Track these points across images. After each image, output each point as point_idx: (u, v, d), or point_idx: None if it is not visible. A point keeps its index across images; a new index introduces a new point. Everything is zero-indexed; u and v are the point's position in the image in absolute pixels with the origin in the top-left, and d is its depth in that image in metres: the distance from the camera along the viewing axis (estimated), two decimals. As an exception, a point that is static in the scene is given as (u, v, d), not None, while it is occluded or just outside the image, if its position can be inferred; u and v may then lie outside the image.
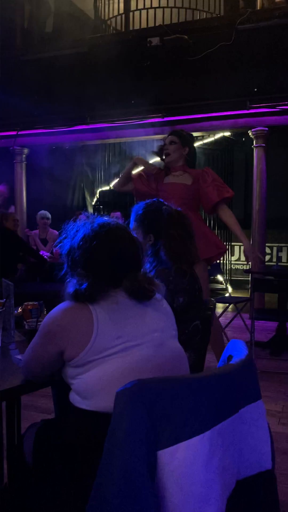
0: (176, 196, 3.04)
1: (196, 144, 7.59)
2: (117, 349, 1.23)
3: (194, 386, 1.05)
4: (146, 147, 7.04)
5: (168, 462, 0.99)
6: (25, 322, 1.81)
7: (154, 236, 1.97)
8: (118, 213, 6.58)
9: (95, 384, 1.23)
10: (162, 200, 2.12)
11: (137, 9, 6.40)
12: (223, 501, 1.06)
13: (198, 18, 6.28)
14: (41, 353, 1.30)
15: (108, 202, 7.90)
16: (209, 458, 1.03)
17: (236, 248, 8.35)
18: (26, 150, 7.09)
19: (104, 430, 1.04)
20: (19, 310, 1.98)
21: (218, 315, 4.95)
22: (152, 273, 1.93)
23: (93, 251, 1.31)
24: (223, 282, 7.13)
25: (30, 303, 1.95)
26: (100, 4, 7.11)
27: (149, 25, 6.10)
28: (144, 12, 6.32)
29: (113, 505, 0.98)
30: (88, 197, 8.18)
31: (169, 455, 0.99)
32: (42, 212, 6.33)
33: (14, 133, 6.66)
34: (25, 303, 1.95)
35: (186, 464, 1.00)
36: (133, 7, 6.45)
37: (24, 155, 7.13)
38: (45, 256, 5.86)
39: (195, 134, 6.72)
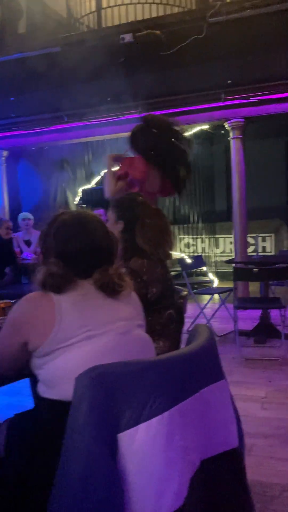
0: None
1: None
2: (81, 337, 1.26)
3: (153, 369, 1.08)
4: (126, 143, 7.06)
5: (128, 444, 1.02)
6: (-3, 320, 1.83)
7: (124, 224, 1.99)
8: (101, 211, 6.59)
9: (60, 372, 1.25)
10: None
11: (109, 6, 6.40)
12: (186, 480, 1.09)
13: (170, 12, 6.29)
14: (7, 345, 1.32)
15: (91, 200, 7.91)
16: (169, 438, 1.06)
17: (221, 241, 8.41)
18: (5, 153, 7.06)
19: (67, 418, 1.06)
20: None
21: (203, 306, 5.00)
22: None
23: (67, 241, 1.34)
24: (208, 274, 7.17)
25: (3, 301, 1.97)
26: (72, 3, 7.09)
27: (122, 22, 6.10)
28: (116, 9, 6.32)
29: (76, 488, 1.00)
30: (70, 197, 8.18)
31: (129, 437, 1.02)
32: (24, 213, 6.32)
33: (-8, 135, 6.63)
34: (-1, 302, 1.97)
35: (146, 445, 1.03)
36: (105, 4, 6.45)
37: (3, 158, 7.10)
38: (28, 258, 5.86)
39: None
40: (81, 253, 1.34)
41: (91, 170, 8.01)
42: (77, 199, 8.26)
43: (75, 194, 8.23)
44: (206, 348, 1.21)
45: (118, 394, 1.03)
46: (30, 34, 6.48)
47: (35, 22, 6.57)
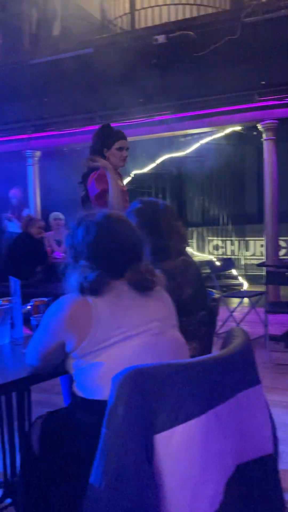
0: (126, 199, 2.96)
1: (207, 140, 7.59)
2: (117, 339, 1.26)
3: (189, 371, 1.07)
4: (156, 145, 7.06)
5: (165, 445, 1.02)
6: (32, 318, 1.86)
7: (148, 228, 1.98)
8: None
9: (96, 374, 1.26)
10: None
11: (142, 8, 6.42)
12: (221, 484, 1.08)
13: (203, 13, 6.27)
14: (44, 344, 1.34)
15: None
16: (205, 442, 1.05)
17: (251, 243, 8.31)
18: (38, 153, 7.17)
19: (104, 417, 1.07)
20: (28, 307, 2.02)
21: (232, 309, 4.95)
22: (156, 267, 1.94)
23: (96, 243, 1.35)
24: (238, 277, 7.10)
25: (38, 299, 2.00)
26: (106, 4, 7.15)
27: (155, 23, 6.12)
28: (149, 10, 6.34)
29: (111, 488, 1.00)
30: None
31: (166, 439, 1.02)
32: (55, 213, 6.40)
33: (26, 136, 6.74)
34: (34, 300, 1.99)
35: (183, 447, 1.02)
36: (138, 6, 6.48)
37: (36, 158, 7.21)
38: (59, 257, 5.93)
39: (204, 129, 6.73)
40: (111, 254, 1.35)
41: (121, 171, 8.04)
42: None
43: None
44: (243, 352, 1.20)
45: (154, 395, 1.02)
46: (64, 36, 6.56)
47: (69, 24, 6.65)
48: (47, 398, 3.19)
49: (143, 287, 1.35)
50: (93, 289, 1.28)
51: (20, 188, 6.94)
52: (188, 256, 1.99)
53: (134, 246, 1.39)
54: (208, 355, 1.17)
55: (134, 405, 1.00)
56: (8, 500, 1.92)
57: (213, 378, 1.09)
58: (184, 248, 1.98)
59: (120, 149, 2.79)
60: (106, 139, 2.79)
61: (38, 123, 6.58)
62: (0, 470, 2.09)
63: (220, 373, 1.11)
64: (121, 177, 2.98)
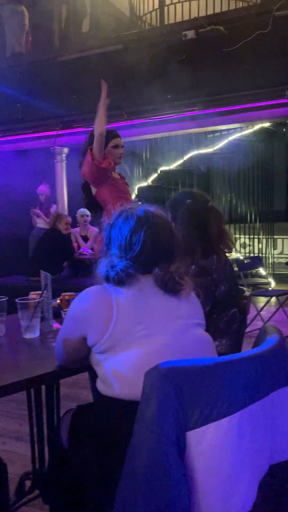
0: (128, 193, 3.00)
1: (235, 136, 7.51)
2: (139, 335, 1.25)
3: (223, 368, 1.05)
4: (183, 141, 7.03)
5: (197, 443, 1.00)
6: (62, 312, 1.87)
7: (185, 223, 1.96)
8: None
9: (117, 371, 1.25)
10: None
11: (171, 3, 6.38)
12: (254, 484, 1.06)
13: (234, 7, 6.19)
14: (68, 338, 1.34)
15: (147, 197, 7.94)
16: (239, 440, 1.03)
17: (279, 241, 8.18)
18: (66, 150, 7.22)
19: (127, 416, 1.06)
20: (58, 301, 2.04)
21: (260, 308, 4.89)
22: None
23: (131, 233, 1.34)
24: (266, 276, 7.00)
25: (67, 293, 2.01)
26: (135, 1, 7.14)
27: (184, 18, 6.07)
28: (179, 5, 6.29)
29: (143, 485, 1.00)
30: (127, 194, 8.26)
31: (198, 436, 1.00)
32: (82, 210, 6.44)
33: (54, 133, 6.80)
34: (63, 294, 2.01)
35: (216, 446, 1.01)
36: (168, 1, 6.44)
37: (64, 155, 7.27)
38: (86, 253, 5.97)
39: (233, 126, 6.65)
40: (143, 247, 1.33)
41: (148, 168, 8.04)
42: (133, 196, 8.32)
43: (131, 192, 8.30)
44: (276, 351, 1.17)
45: (187, 392, 1.01)
46: (93, 33, 6.58)
47: (98, 21, 6.68)
48: (74, 393, 3.22)
49: (168, 287, 1.32)
50: (118, 279, 1.28)
51: (47, 185, 7.01)
52: (224, 254, 1.97)
53: (168, 246, 1.38)
54: (242, 353, 1.15)
55: (167, 400, 0.99)
56: (36, 492, 1.94)
57: (247, 377, 1.07)
58: (228, 250, 1.97)
59: (116, 147, 2.89)
60: None
61: (66, 120, 6.62)
62: (29, 462, 2.12)
63: (254, 372, 1.08)
64: (121, 177, 3.06)
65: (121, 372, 1.24)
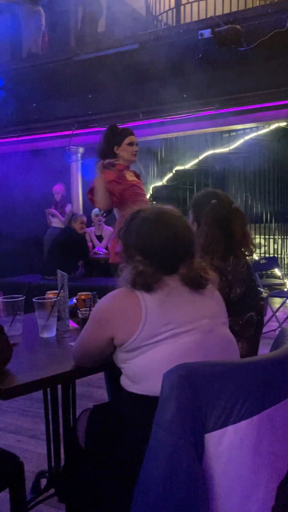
0: (144, 194, 3.00)
1: (251, 136, 7.46)
2: (166, 335, 1.25)
3: (242, 370, 1.05)
4: (199, 141, 7.00)
5: (215, 445, 0.99)
6: (78, 311, 1.87)
7: (196, 225, 1.96)
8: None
9: (145, 368, 1.26)
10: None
11: (188, 2, 6.36)
12: (273, 488, 1.05)
13: (251, 6, 6.14)
14: (92, 339, 1.34)
15: (162, 197, 7.93)
16: (257, 443, 1.02)
17: (295, 242, 8.10)
18: (81, 149, 7.24)
19: (152, 413, 1.06)
20: (74, 300, 2.04)
21: (275, 309, 4.84)
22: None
23: (151, 237, 1.34)
24: (281, 276, 6.94)
25: (84, 293, 2.01)
26: (151, 0, 7.13)
27: (200, 17, 6.04)
28: (195, 4, 6.26)
29: (160, 486, 0.99)
30: (141, 193, 8.25)
31: (217, 438, 0.99)
32: (97, 209, 6.46)
33: (69, 132, 6.83)
34: (79, 293, 2.01)
35: (234, 448, 1.00)
36: (184, 0, 6.42)
37: (79, 154, 7.29)
38: (100, 252, 5.99)
39: (249, 125, 6.60)
40: (165, 248, 1.33)
41: (163, 167, 8.02)
42: (148, 196, 8.32)
43: (146, 191, 8.30)
44: (296, 353, 1.16)
45: (206, 393, 1.00)
46: (109, 33, 6.59)
47: (114, 20, 6.68)
48: (89, 392, 3.23)
49: (196, 283, 1.33)
50: (147, 284, 1.28)
51: (63, 184, 7.04)
52: (244, 257, 1.95)
53: (188, 243, 1.38)
54: (261, 356, 1.14)
55: (185, 402, 0.99)
56: (52, 490, 1.95)
57: (267, 379, 1.06)
58: (249, 253, 1.95)
59: (131, 144, 2.90)
60: (116, 137, 2.91)
61: (81, 120, 6.64)
62: (44, 460, 2.13)
63: (273, 374, 1.07)
64: (136, 174, 3.05)
65: (149, 370, 1.25)
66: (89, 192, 2.92)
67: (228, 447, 0.99)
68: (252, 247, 1.97)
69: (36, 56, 6.69)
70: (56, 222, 6.92)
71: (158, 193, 8.18)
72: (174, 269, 1.33)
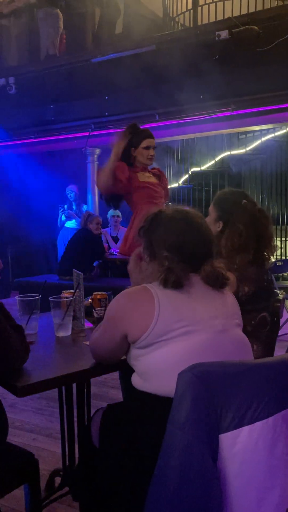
0: (162, 196, 2.95)
1: (268, 137, 7.40)
2: (179, 332, 1.26)
3: (257, 371, 1.04)
4: (215, 142, 6.98)
5: (230, 446, 0.99)
6: (94, 311, 1.88)
7: (223, 223, 1.95)
8: None
9: (155, 366, 1.26)
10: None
11: (205, 3, 6.35)
12: (288, 490, 1.04)
13: (268, 7, 6.10)
14: (107, 336, 1.36)
15: (178, 199, 7.92)
16: (272, 445, 1.01)
17: (312, 244, 8.02)
18: (97, 151, 7.28)
19: (164, 413, 1.06)
20: (89, 300, 2.06)
21: (291, 312, 4.78)
22: None
23: (180, 234, 1.35)
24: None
25: (99, 293, 2.02)
26: (168, 2, 7.14)
27: (218, 18, 6.02)
28: (212, 5, 6.25)
29: (174, 486, 0.99)
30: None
31: (231, 439, 0.99)
32: (113, 210, 6.48)
33: (86, 134, 6.86)
34: (95, 293, 2.02)
35: (249, 449, 0.99)
36: (201, 1, 6.41)
37: (96, 155, 7.33)
38: (115, 253, 6.01)
39: (266, 126, 6.56)
40: (194, 246, 1.35)
41: (180, 169, 8.01)
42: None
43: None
44: (312, 355, 1.15)
45: (220, 394, 1.00)
46: (126, 34, 6.61)
47: (131, 22, 6.70)
48: (103, 391, 3.24)
49: (218, 282, 1.35)
50: (178, 281, 1.29)
51: (76, 185, 7.04)
52: (267, 260, 1.95)
53: (211, 242, 1.41)
54: (278, 356, 1.13)
55: (200, 402, 0.99)
56: (66, 488, 1.96)
57: (282, 381, 1.05)
58: (271, 254, 1.95)
59: (147, 148, 2.87)
60: (134, 138, 2.87)
61: (98, 121, 6.67)
62: (59, 459, 2.15)
63: (289, 376, 1.06)
64: (157, 173, 3.04)
65: (160, 367, 1.26)
66: (97, 172, 2.91)
67: (243, 448, 0.99)
68: (273, 248, 1.96)
69: (53, 58, 6.74)
70: (70, 223, 6.90)
71: (174, 195, 8.17)
72: (198, 267, 1.34)
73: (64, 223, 6.99)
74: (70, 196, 6.91)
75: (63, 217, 6.99)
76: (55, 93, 6.54)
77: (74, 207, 6.85)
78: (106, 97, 6.44)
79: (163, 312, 1.26)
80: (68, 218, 6.95)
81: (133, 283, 1.51)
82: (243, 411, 1.00)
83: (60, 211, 6.89)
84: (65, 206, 6.88)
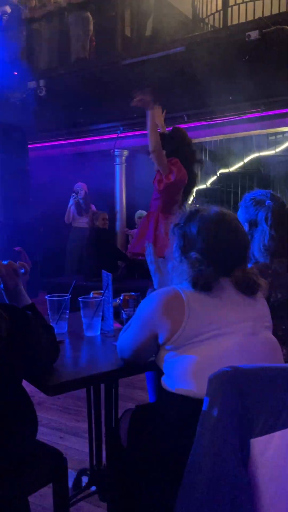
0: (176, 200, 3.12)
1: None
2: (208, 335, 1.24)
3: (290, 376, 1.02)
4: (244, 143, 6.91)
5: (261, 451, 0.98)
6: (122, 311, 1.89)
7: (248, 226, 1.92)
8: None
9: (185, 368, 1.25)
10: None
11: (235, 4, 6.30)
12: None
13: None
14: (136, 338, 1.35)
15: (205, 200, 7.86)
16: (305, 451, 0.99)
17: None
18: (125, 152, 7.30)
19: (194, 414, 1.05)
20: (118, 300, 2.06)
21: None
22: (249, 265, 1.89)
23: (214, 236, 1.33)
24: None
25: (128, 293, 2.03)
26: (198, 3, 7.11)
27: (248, 19, 5.96)
28: (243, 6, 6.19)
29: (205, 491, 0.98)
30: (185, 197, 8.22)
31: (263, 444, 0.98)
32: (140, 211, 6.49)
33: (115, 136, 6.91)
34: (124, 294, 2.03)
35: (281, 455, 0.98)
36: (231, 2, 6.36)
37: (124, 157, 7.36)
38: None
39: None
40: (227, 250, 1.33)
41: (208, 171, 7.96)
42: (191, 198, 8.27)
43: (189, 195, 8.25)
44: None
45: (252, 397, 0.99)
46: (156, 36, 6.62)
47: (161, 24, 6.70)
48: (130, 392, 3.24)
49: (248, 288, 1.32)
50: (207, 284, 1.27)
51: (84, 184, 6.91)
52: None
53: (245, 247, 1.38)
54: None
55: (230, 406, 0.98)
56: (93, 488, 1.97)
57: (316, 386, 1.03)
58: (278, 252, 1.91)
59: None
60: (180, 147, 3.12)
61: (127, 123, 6.70)
62: (85, 458, 2.16)
63: None
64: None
65: (190, 370, 1.25)
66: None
67: (274, 454, 0.97)
68: None
69: (83, 61, 6.81)
70: (79, 223, 6.72)
71: (201, 196, 8.11)
72: (229, 272, 1.32)
73: (72, 212, 6.75)
74: (79, 193, 6.77)
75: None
76: (84, 95, 6.60)
77: (83, 205, 6.72)
78: (135, 99, 6.46)
79: (193, 315, 1.25)
80: (78, 211, 6.71)
81: (160, 283, 1.51)
82: (275, 416, 0.98)
83: (72, 198, 6.63)
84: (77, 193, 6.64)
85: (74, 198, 6.61)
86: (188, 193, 3.34)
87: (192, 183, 3.30)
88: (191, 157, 3.21)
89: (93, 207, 6.71)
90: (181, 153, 3.13)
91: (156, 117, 3.15)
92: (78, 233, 6.61)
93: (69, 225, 6.85)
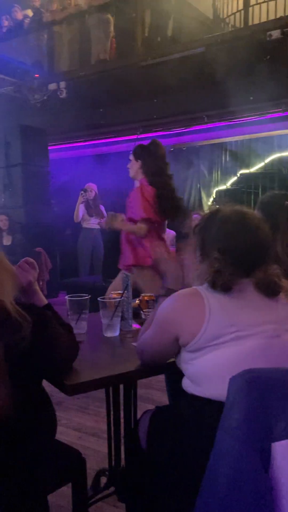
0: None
1: None
2: (230, 337, 1.23)
3: (313, 379, 1.00)
4: (265, 144, 6.84)
5: (283, 455, 0.96)
6: (141, 312, 1.88)
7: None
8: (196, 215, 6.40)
9: (207, 370, 1.24)
10: None
11: (256, 3, 6.25)
12: None
13: None
14: (156, 339, 1.35)
15: (225, 201, 7.81)
16: None
17: None
18: (145, 153, 7.30)
19: (214, 417, 1.04)
20: (136, 301, 2.06)
21: None
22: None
23: (234, 237, 1.31)
24: None
25: (147, 294, 2.02)
26: (218, 3, 7.08)
27: (269, 18, 5.91)
28: (264, 5, 6.14)
29: (224, 493, 0.97)
30: (204, 197, 8.18)
31: (285, 448, 0.96)
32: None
33: (134, 137, 6.92)
34: (143, 295, 2.03)
35: (303, 460, 0.96)
36: (252, 1, 6.31)
37: (143, 158, 7.35)
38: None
39: None
40: (247, 250, 1.30)
41: (227, 171, 7.91)
42: (211, 199, 8.24)
43: (209, 195, 8.22)
44: None
45: (273, 401, 0.97)
46: (176, 37, 6.61)
47: (181, 24, 6.69)
48: (148, 393, 3.23)
49: (270, 290, 1.29)
50: (226, 285, 1.25)
51: (95, 185, 6.87)
52: None
53: (267, 248, 1.35)
54: None
55: (252, 409, 0.96)
56: (111, 488, 1.97)
57: None
58: None
59: None
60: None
61: (146, 124, 6.71)
62: (104, 458, 2.16)
63: None
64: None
65: (211, 372, 1.24)
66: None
67: (297, 459, 0.95)
68: None
69: (104, 62, 6.84)
70: (89, 224, 6.62)
71: (221, 197, 8.07)
72: (250, 272, 1.30)
73: (82, 212, 6.55)
74: (89, 194, 6.53)
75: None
76: (104, 97, 6.63)
77: (92, 206, 6.67)
78: (155, 100, 6.47)
79: (214, 317, 1.24)
80: (89, 212, 6.55)
81: (172, 283, 1.49)
82: (297, 420, 0.96)
83: (80, 196, 6.44)
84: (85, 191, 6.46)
85: (82, 196, 6.52)
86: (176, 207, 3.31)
87: (169, 196, 3.28)
88: (161, 171, 3.29)
89: (102, 208, 6.68)
90: (152, 166, 3.24)
91: (124, 226, 3.37)
92: (88, 234, 6.59)
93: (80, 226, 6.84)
